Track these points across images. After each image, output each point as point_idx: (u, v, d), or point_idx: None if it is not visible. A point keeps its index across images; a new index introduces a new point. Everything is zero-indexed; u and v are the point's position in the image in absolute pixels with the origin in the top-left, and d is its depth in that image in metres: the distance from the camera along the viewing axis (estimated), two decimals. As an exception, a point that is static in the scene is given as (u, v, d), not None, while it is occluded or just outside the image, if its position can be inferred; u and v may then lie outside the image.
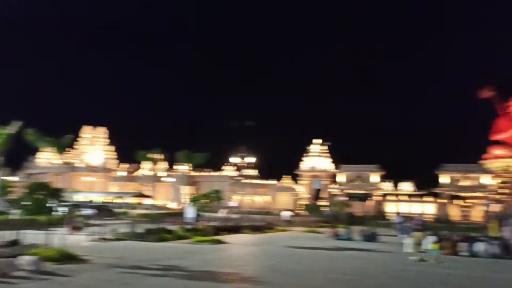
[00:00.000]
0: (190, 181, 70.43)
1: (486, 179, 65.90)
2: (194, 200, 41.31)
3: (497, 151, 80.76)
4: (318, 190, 69.49)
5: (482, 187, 65.07)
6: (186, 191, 62.24)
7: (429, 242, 17.37)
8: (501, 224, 24.89)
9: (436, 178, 68.97)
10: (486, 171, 66.85)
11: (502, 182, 67.71)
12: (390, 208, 66.02)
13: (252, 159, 79.53)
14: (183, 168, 65.05)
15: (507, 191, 66.95)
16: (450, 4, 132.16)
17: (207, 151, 57.14)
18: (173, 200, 70.98)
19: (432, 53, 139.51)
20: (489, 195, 63.85)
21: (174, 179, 73.84)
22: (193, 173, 71.30)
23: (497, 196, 63.60)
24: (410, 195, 69.80)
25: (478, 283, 12.24)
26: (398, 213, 32.64)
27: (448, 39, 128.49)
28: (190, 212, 28.79)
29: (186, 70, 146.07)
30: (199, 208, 33.56)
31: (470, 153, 78.05)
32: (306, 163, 76.84)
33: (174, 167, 73.96)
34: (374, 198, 70.49)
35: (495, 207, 57.61)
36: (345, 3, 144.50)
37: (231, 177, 75.65)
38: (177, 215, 33.61)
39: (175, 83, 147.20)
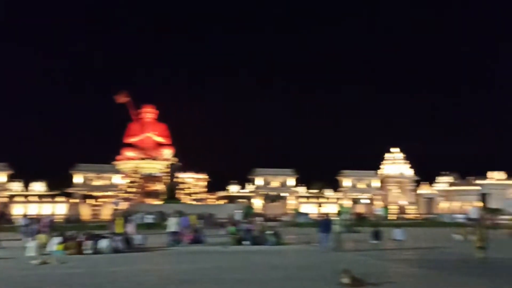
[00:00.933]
0: None
1: (118, 179, 70.67)
2: None
3: (129, 153, 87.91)
4: None
5: (113, 187, 69.22)
6: None
7: (54, 244, 16.88)
8: (126, 220, 26.87)
9: (70, 178, 68.78)
10: (118, 172, 72.15)
11: (131, 182, 74.39)
12: (19, 210, 61.13)
13: None
14: None
15: (134, 190, 73.89)
16: None
17: None
18: None
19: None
20: (119, 194, 68.84)
21: None
22: None
23: (126, 195, 69.59)
24: (40, 196, 67.06)
25: (97, 278, 12.57)
26: (24, 215, 30.33)
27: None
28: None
29: None
30: None
31: (105, 154, 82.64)
32: None
33: None
34: None
35: (123, 205, 62.44)
36: None
37: None
38: None
39: None
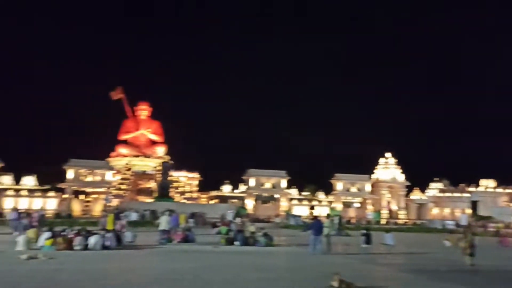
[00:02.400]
0: None
1: (110, 176, 70.28)
2: None
3: (122, 150, 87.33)
4: None
5: (106, 183, 68.81)
6: None
7: (43, 239, 16.78)
8: (116, 217, 26.79)
9: (62, 173, 68.28)
10: (111, 168, 72.01)
11: (123, 179, 74.01)
12: (9, 203, 60.75)
13: None
14: None
15: (126, 187, 73.57)
16: None
17: None
18: None
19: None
20: (111, 190, 68.52)
21: None
22: None
23: (118, 192, 69.32)
24: (31, 190, 66.58)
25: (85, 274, 12.50)
26: (14, 209, 30.16)
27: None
28: None
29: None
30: None
31: (98, 151, 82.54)
32: None
33: None
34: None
35: (114, 202, 62.19)
36: None
37: None
38: None
39: None
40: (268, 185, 75.34)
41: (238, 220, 35.29)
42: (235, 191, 79.20)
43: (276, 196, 75.17)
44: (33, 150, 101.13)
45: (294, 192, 78.96)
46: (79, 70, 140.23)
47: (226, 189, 79.22)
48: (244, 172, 75.52)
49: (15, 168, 68.62)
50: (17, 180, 68.29)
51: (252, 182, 74.99)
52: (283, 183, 75.67)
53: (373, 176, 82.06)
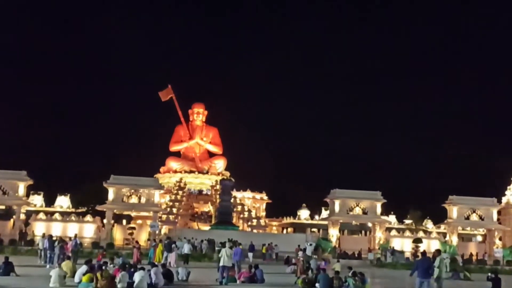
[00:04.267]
0: None
1: (158, 196, 71.69)
2: None
3: (173, 163, 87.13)
4: None
5: (153, 205, 70.08)
6: None
7: (80, 273, 17.36)
8: (166, 248, 27.36)
9: (101, 193, 70.36)
10: (160, 187, 73.07)
11: (174, 200, 74.54)
12: (40, 229, 63.59)
13: None
14: None
15: (177, 210, 74.01)
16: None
17: None
18: None
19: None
20: (159, 214, 69.55)
21: None
22: None
23: (167, 216, 70.15)
24: (65, 213, 69.42)
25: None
26: (46, 236, 31.55)
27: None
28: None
29: None
30: None
31: (144, 166, 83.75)
32: None
33: None
34: (20, 215, 66.76)
35: (164, 229, 63.19)
36: None
37: None
38: None
39: None
40: (358, 210, 73.88)
41: (319, 255, 34.84)
42: (315, 217, 78.48)
43: (368, 224, 73.74)
44: (67, 165, 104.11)
45: (392, 219, 76.94)
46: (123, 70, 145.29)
47: (304, 214, 78.93)
48: (327, 193, 74.60)
49: (47, 187, 72.31)
50: (49, 201, 71.51)
51: (336, 206, 73.67)
52: (378, 207, 73.92)
53: (502, 199, 78.18)
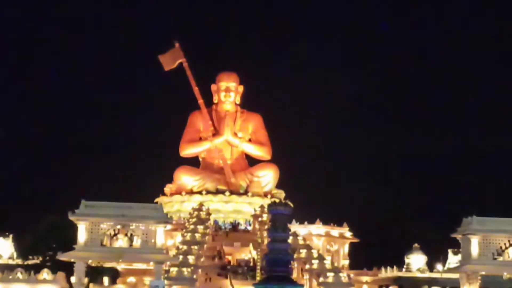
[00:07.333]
0: None
1: (162, 235, 67.74)
2: None
3: (186, 178, 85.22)
4: None
5: (155, 251, 66.81)
6: None
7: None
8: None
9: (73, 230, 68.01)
10: (165, 218, 70.31)
11: (188, 242, 71.55)
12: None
13: None
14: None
15: (195, 259, 69.99)
16: None
17: None
18: None
19: None
20: (165, 266, 66.06)
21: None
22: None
23: (177, 271, 66.56)
24: (8, 267, 67.79)
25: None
26: None
27: None
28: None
29: None
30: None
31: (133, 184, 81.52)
32: None
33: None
34: None
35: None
36: None
37: None
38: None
39: None
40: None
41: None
42: (436, 267, 77.21)
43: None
44: (8, 189, 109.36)
45: None
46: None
47: (416, 262, 78.23)
48: (455, 225, 71.71)
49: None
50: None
51: (474, 246, 68.07)
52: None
53: None
